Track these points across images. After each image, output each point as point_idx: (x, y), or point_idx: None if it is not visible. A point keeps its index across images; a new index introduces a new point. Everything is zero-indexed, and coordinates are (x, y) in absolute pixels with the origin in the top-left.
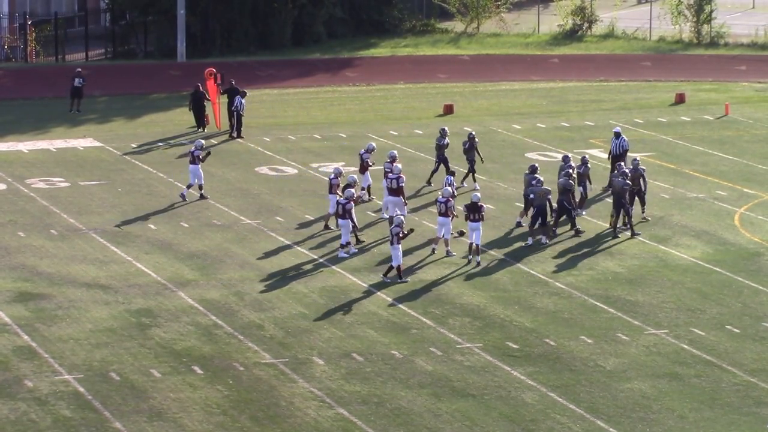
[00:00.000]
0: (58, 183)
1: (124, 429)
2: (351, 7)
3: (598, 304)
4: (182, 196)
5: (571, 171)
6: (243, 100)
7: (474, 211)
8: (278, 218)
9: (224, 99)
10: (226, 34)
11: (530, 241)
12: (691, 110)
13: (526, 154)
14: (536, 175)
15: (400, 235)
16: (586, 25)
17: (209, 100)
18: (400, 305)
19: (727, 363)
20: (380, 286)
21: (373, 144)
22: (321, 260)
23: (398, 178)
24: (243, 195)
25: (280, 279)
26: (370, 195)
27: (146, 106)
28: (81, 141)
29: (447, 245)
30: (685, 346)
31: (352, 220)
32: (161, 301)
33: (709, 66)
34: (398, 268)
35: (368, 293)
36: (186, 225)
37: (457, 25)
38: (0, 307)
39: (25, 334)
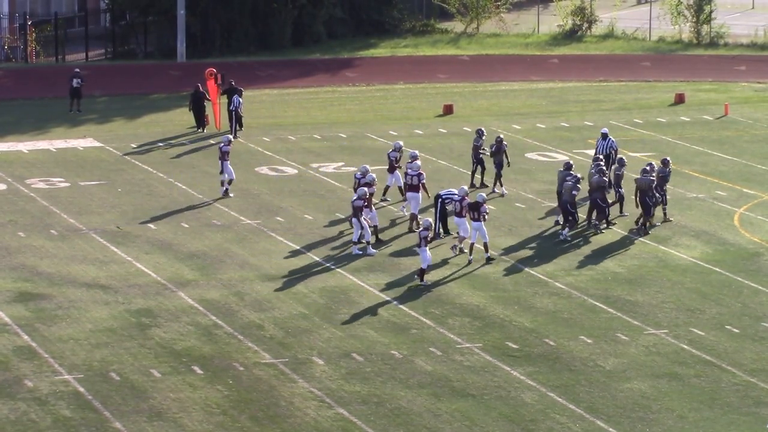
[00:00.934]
0: (58, 183)
1: (124, 429)
2: (351, 7)
3: (597, 304)
4: (225, 192)
5: (604, 168)
6: (240, 99)
7: (473, 210)
8: (278, 218)
9: (224, 99)
10: (226, 35)
11: (564, 234)
12: (691, 110)
13: (525, 155)
14: (570, 172)
15: (428, 238)
16: (585, 25)
17: (209, 100)
18: (400, 305)
19: (726, 363)
20: (380, 286)
21: (400, 143)
22: (321, 260)
23: (418, 175)
24: (243, 195)
25: (280, 279)
26: (384, 195)
27: (146, 106)
28: (81, 141)
29: (461, 243)
30: (685, 346)
31: (358, 219)
32: (161, 301)
33: (708, 66)
34: (422, 270)
35: (368, 293)
36: (186, 225)
37: (456, 26)
38: (0, 307)
39: (25, 334)
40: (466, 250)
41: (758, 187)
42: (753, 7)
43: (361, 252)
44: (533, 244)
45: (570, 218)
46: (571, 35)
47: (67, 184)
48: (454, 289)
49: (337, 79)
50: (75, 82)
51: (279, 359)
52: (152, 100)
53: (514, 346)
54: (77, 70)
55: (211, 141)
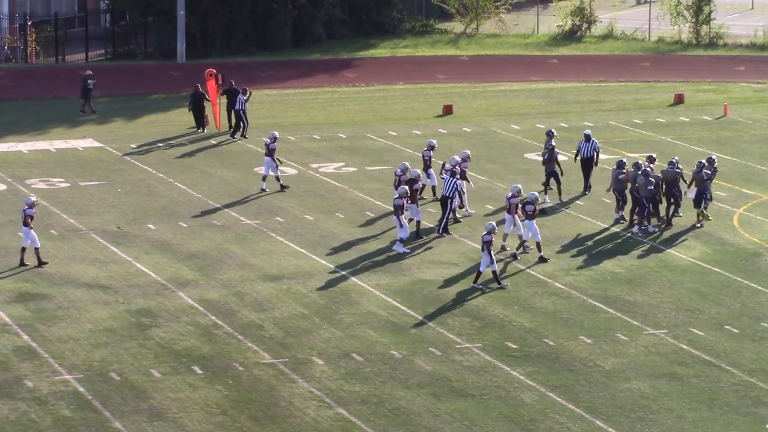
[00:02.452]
0: (58, 183)
1: (124, 429)
2: (350, 7)
3: (597, 304)
4: (262, 189)
5: (676, 162)
6: (244, 98)
7: (522, 209)
8: (278, 218)
9: (224, 100)
10: (225, 35)
11: (651, 228)
12: (690, 111)
13: (525, 155)
14: (623, 170)
15: (491, 242)
16: (585, 25)
17: (209, 100)
18: (400, 305)
19: (725, 363)
20: (380, 286)
21: (434, 141)
22: (321, 260)
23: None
24: (242, 195)
25: (279, 279)
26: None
27: (146, 106)
28: (81, 141)
29: (504, 240)
30: (684, 346)
31: (398, 217)
32: (161, 302)
33: (707, 66)
34: (494, 273)
35: (368, 293)
36: (185, 225)
37: (456, 26)
38: (0, 307)
39: (26, 334)
40: (503, 243)
41: (757, 188)
42: (752, 8)
43: (405, 251)
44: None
45: (653, 211)
46: (571, 36)
47: (67, 185)
48: (453, 289)
49: (336, 80)
50: (89, 83)
51: (279, 359)
52: (152, 101)
53: (514, 346)
54: (89, 72)
55: (212, 141)
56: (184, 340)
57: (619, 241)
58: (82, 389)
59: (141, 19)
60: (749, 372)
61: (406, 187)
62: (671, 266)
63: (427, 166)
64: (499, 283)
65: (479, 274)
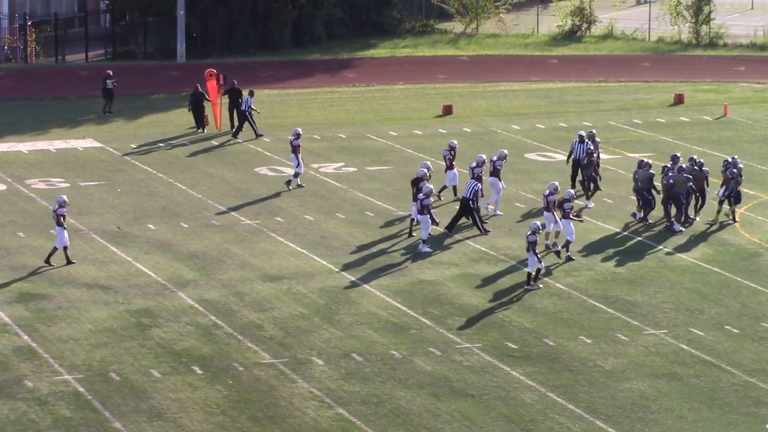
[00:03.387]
0: (57, 183)
1: (124, 429)
2: (350, 7)
3: (597, 304)
4: (298, 185)
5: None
6: (251, 98)
7: (559, 207)
8: (278, 219)
9: (224, 99)
10: (225, 35)
11: (677, 227)
12: (690, 111)
13: (525, 155)
14: (650, 170)
15: (536, 242)
16: (585, 25)
17: (209, 100)
18: (400, 305)
19: (725, 363)
20: (380, 286)
21: (455, 141)
22: (320, 260)
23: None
24: (242, 195)
25: (279, 279)
26: (439, 194)
27: (146, 106)
28: (81, 141)
29: (546, 238)
30: (684, 347)
31: (431, 215)
32: (161, 302)
33: (707, 66)
34: (532, 273)
35: (368, 293)
36: (185, 225)
37: (456, 26)
38: (0, 307)
39: (25, 334)
40: (547, 242)
41: (758, 188)
42: (752, 8)
43: (431, 250)
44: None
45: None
46: (571, 36)
47: (66, 185)
48: (453, 289)
49: (336, 80)
50: (109, 83)
51: (279, 359)
52: (152, 101)
53: (514, 346)
54: (109, 71)
55: (213, 141)
56: (184, 340)
57: (620, 241)
58: (82, 389)
59: (141, 19)
60: (749, 372)
61: (431, 186)
62: (671, 266)
63: (448, 167)
64: (534, 282)
65: (529, 275)
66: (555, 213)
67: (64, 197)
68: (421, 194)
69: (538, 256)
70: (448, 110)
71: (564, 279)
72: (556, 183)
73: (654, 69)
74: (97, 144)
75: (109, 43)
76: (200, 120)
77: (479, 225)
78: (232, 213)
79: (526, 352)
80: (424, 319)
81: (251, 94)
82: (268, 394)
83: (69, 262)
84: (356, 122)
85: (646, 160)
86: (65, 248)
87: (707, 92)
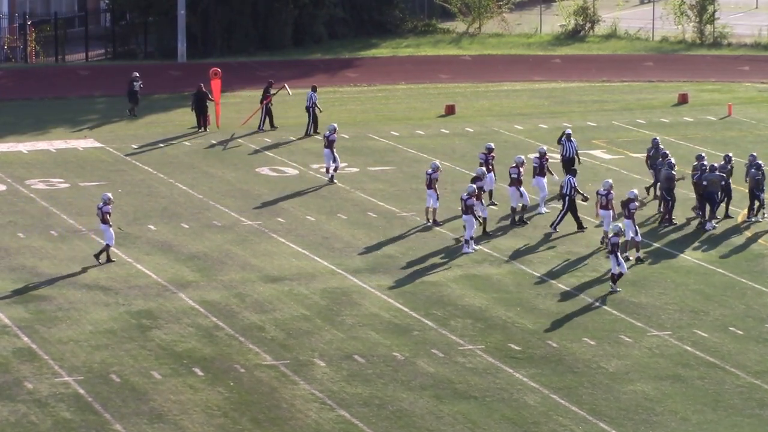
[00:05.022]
0: (57, 184)
1: (125, 431)
2: (352, 7)
3: (600, 305)
4: (331, 179)
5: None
6: (315, 95)
7: (624, 207)
8: (279, 219)
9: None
10: (226, 35)
11: (711, 225)
12: (694, 111)
13: (528, 155)
14: (673, 170)
15: (618, 244)
16: (588, 25)
17: (212, 100)
18: (402, 307)
19: (730, 365)
20: (382, 287)
21: (492, 144)
22: (322, 261)
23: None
24: (243, 196)
25: (281, 280)
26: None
27: (147, 106)
28: (81, 142)
29: (607, 237)
30: (688, 348)
31: (474, 215)
32: (162, 303)
33: (711, 66)
34: (613, 276)
35: (370, 295)
36: (186, 226)
37: (458, 26)
38: (0, 308)
39: (25, 335)
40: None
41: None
42: (756, 7)
43: (472, 251)
44: (535, 246)
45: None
46: (574, 35)
47: (67, 185)
48: (456, 291)
49: (338, 80)
50: (136, 86)
51: (280, 361)
52: (153, 101)
53: (517, 347)
54: (136, 73)
55: (213, 141)
56: (185, 341)
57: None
58: (82, 391)
59: (141, 18)
60: (754, 374)
61: (474, 186)
62: (675, 267)
63: (488, 169)
64: (613, 284)
65: (613, 276)
66: (614, 210)
67: (109, 195)
68: (464, 194)
69: (620, 259)
70: (450, 110)
71: (567, 280)
72: (610, 180)
73: (658, 69)
74: (97, 144)
75: (109, 43)
76: (202, 120)
77: (578, 220)
78: (233, 213)
79: (529, 353)
80: (426, 321)
81: (314, 89)
82: (269, 396)
83: (109, 260)
84: (358, 122)
85: (672, 160)
86: (108, 247)
87: (711, 92)
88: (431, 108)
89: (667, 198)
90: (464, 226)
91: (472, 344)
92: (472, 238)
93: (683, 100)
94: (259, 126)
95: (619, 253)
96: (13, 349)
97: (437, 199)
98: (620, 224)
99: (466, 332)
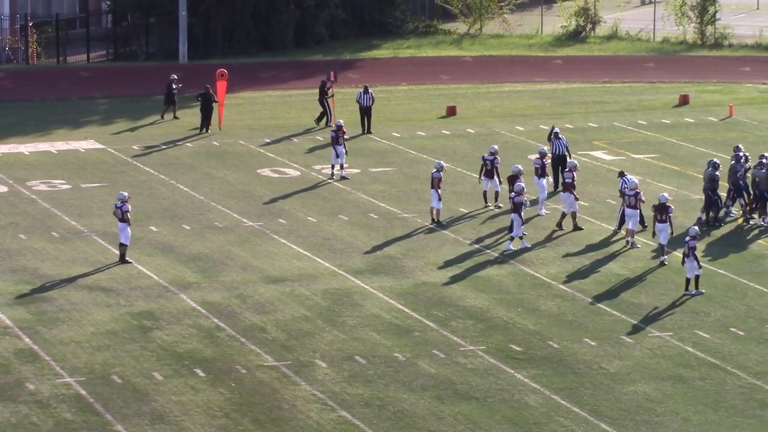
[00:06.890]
0: (59, 185)
1: None
2: (353, 8)
3: (601, 306)
4: (342, 177)
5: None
6: (371, 94)
7: (661, 212)
8: (281, 220)
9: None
10: (227, 36)
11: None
12: (695, 112)
13: (529, 156)
14: (717, 171)
15: (695, 247)
16: (589, 26)
17: (216, 101)
18: (403, 308)
19: (731, 365)
20: (383, 288)
21: (496, 146)
22: (323, 262)
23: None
24: (245, 197)
25: (282, 281)
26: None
27: (148, 108)
28: (82, 143)
29: (632, 236)
30: (690, 349)
31: (519, 215)
32: (163, 304)
33: (713, 67)
34: (693, 279)
35: (371, 296)
36: (188, 227)
37: (459, 27)
38: (1, 309)
39: (27, 336)
40: (631, 240)
41: None
42: (758, 8)
43: (515, 248)
44: (536, 246)
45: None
46: (575, 36)
47: (68, 186)
48: (457, 292)
49: (339, 81)
50: (174, 88)
51: (281, 362)
52: (154, 102)
53: (518, 348)
54: (174, 76)
55: (214, 142)
56: (187, 342)
57: (623, 242)
58: (83, 392)
59: (142, 19)
60: (755, 374)
61: (522, 184)
62: (676, 268)
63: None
64: (696, 289)
65: (688, 281)
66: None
67: (126, 193)
68: (512, 192)
69: (699, 261)
70: (451, 111)
71: (568, 281)
72: (636, 180)
73: (659, 70)
74: (98, 145)
75: (110, 44)
76: (206, 121)
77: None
78: (234, 215)
79: (530, 354)
80: (427, 322)
81: (366, 90)
82: (270, 397)
83: (124, 261)
84: (359, 123)
85: (716, 160)
86: (124, 246)
87: (712, 93)
88: (432, 109)
89: (713, 197)
90: (510, 226)
91: (473, 345)
92: (521, 237)
93: (684, 101)
94: (327, 122)
95: (692, 257)
96: (14, 350)
97: (439, 199)
98: (697, 227)
99: (467, 333)
